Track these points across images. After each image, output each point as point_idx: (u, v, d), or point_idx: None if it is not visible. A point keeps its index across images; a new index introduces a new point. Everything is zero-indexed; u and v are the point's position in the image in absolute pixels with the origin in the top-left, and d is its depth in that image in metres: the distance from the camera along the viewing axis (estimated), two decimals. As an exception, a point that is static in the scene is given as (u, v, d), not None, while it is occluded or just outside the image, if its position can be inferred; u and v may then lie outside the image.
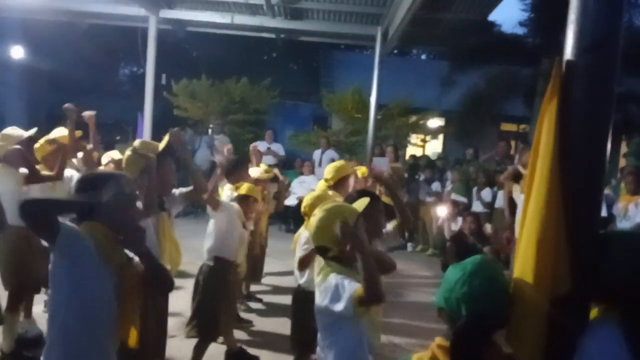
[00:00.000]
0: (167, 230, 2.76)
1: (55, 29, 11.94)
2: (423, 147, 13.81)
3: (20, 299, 3.77)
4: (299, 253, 3.25)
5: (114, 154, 4.63)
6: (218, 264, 3.71)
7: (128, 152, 2.85)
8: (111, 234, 1.95)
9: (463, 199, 8.02)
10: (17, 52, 13.16)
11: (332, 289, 2.01)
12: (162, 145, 2.89)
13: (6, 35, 11.61)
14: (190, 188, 3.14)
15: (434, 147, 15.04)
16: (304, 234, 3.30)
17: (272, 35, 10.04)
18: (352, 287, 1.96)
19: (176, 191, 3.08)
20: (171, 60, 12.77)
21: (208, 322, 3.58)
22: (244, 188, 3.94)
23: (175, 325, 3.73)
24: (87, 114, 4.33)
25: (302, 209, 3.30)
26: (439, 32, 8.59)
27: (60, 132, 4.28)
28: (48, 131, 4.33)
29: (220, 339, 3.88)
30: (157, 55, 8.99)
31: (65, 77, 16.27)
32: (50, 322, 1.91)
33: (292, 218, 9.05)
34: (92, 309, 1.89)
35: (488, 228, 6.11)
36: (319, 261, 2.27)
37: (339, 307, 1.97)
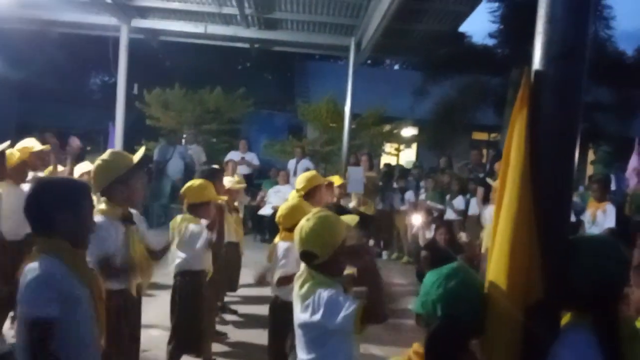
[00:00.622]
0: (136, 244, 2.69)
1: (25, 37, 11.67)
2: (397, 155, 13.94)
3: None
4: (279, 269, 3.19)
5: (87, 167, 4.55)
6: (190, 277, 3.66)
7: (98, 162, 2.77)
8: (74, 250, 1.93)
9: (439, 206, 8.11)
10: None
11: (324, 304, 1.97)
12: (136, 157, 2.81)
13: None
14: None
15: (408, 155, 15.20)
16: (280, 245, 3.27)
17: (246, 45, 10.01)
18: (351, 304, 1.93)
19: (144, 228, 2.96)
20: (144, 70, 12.62)
21: (189, 335, 3.54)
22: (198, 195, 3.72)
23: (149, 338, 3.62)
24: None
25: (277, 219, 3.28)
26: (411, 42, 8.72)
27: (28, 143, 4.19)
28: (18, 140, 4.25)
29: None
30: (129, 64, 8.86)
31: (35, 85, 15.92)
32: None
33: (267, 228, 8.99)
34: (78, 329, 1.88)
35: (463, 236, 6.17)
36: (300, 271, 2.22)
37: (334, 322, 1.94)
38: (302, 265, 2.19)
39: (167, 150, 9.74)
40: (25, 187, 4.08)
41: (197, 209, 3.62)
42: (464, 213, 7.77)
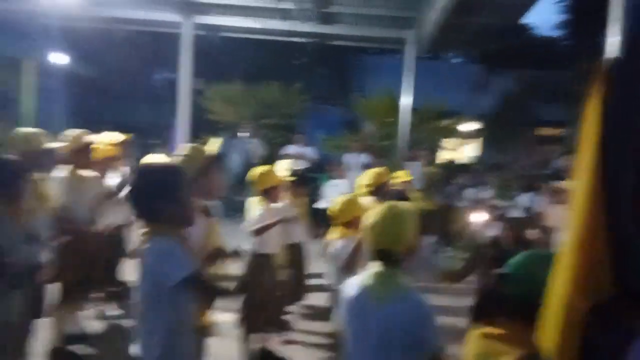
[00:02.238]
0: (216, 236, 2.78)
1: (95, 35, 12.30)
2: (457, 151, 13.63)
3: (71, 297, 3.88)
4: (338, 262, 3.17)
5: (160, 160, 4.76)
6: (257, 258, 3.75)
7: (179, 156, 2.84)
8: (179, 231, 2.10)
9: (503, 203, 7.87)
10: (59, 59, 13.58)
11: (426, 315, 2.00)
12: (214, 150, 2.85)
13: (48, 42, 12.01)
14: None
15: (469, 151, 14.82)
16: (336, 242, 3.24)
17: (303, 40, 10.09)
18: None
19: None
20: (205, 65, 12.98)
21: (253, 316, 3.65)
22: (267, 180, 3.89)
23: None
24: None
25: (331, 213, 3.28)
26: (470, 35, 8.46)
27: (107, 137, 4.46)
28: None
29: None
30: (191, 60, 9.16)
31: (103, 82, 16.76)
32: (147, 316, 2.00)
33: (322, 222, 9.01)
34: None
35: (530, 234, 5.95)
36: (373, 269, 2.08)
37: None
38: (373, 263, 2.07)
39: (228, 145, 9.97)
40: (108, 177, 4.35)
41: (267, 193, 3.70)
42: (530, 210, 7.50)
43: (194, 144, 2.92)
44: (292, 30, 9.30)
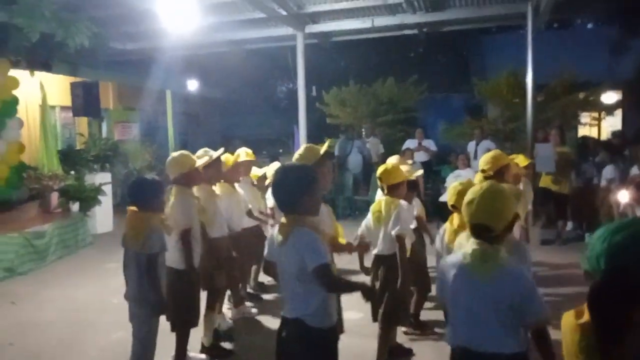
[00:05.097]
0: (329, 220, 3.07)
1: (220, 59, 13.39)
2: (598, 125, 12.35)
3: (217, 298, 4.29)
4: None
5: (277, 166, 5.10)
6: (392, 260, 3.77)
7: (295, 156, 3.18)
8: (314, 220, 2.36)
9: (652, 178, 6.97)
10: (192, 85, 15.02)
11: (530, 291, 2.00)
12: (322, 149, 3.12)
13: (183, 71, 13.34)
14: None
15: (612, 124, 13.34)
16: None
17: (415, 31, 9.92)
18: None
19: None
20: (319, 72, 13.39)
21: (396, 310, 3.69)
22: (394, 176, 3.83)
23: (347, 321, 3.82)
24: None
25: (451, 201, 3.20)
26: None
27: (240, 152, 4.88)
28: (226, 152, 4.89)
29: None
30: (306, 69, 9.53)
31: (232, 101, 18.13)
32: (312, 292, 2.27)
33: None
34: None
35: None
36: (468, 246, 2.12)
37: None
38: (471, 240, 2.09)
39: (347, 145, 10.17)
40: (238, 187, 4.76)
41: (394, 190, 3.75)
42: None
43: (307, 145, 3.22)
44: (403, 24, 9.20)
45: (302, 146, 3.29)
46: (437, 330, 4.42)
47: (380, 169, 3.86)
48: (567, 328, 1.40)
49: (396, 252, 3.60)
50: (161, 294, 3.19)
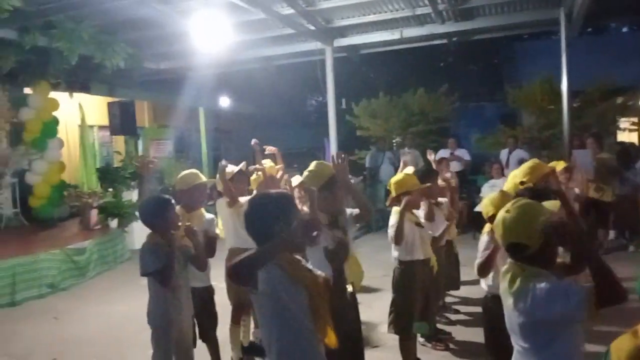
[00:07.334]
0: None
1: (250, 76, 13.61)
2: (638, 130, 11.94)
3: (241, 313, 4.29)
4: (478, 259, 3.08)
5: (298, 180, 5.09)
6: (406, 266, 3.78)
7: (306, 172, 3.12)
8: (293, 257, 2.12)
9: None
10: (224, 102, 15.32)
11: (546, 296, 1.82)
12: (333, 169, 3.03)
13: (215, 88, 13.62)
14: (358, 211, 3.18)
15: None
16: (482, 239, 3.15)
17: (444, 41, 9.85)
18: (579, 287, 1.78)
19: (349, 211, 3.20)
20: (349, 85, 13.42)
21: (401, 318, 3.68)
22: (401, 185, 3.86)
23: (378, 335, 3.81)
24: (270, 149, 5.02)
25: (487, 213, 3.13)
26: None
27: (266, 164, 4.89)
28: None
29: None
30: (335, 82, 9.56)
31: (264, 116, 18.34)
32: (267, 347, 2.13)
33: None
34: (297, 324, 2.07)
35: None
36: (506, 266, 2.08)
37: (566, 311, 1.78)
38: (508, 260, 2.06)
39: (378, 157, 10.14)
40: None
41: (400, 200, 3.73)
42: None
43: (319, 161, 3.13)
44: (432, 34, 9.15)
45: (313, 162, 3.21)
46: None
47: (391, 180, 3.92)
48: (624, 353, 1.33)
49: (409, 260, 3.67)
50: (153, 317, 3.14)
